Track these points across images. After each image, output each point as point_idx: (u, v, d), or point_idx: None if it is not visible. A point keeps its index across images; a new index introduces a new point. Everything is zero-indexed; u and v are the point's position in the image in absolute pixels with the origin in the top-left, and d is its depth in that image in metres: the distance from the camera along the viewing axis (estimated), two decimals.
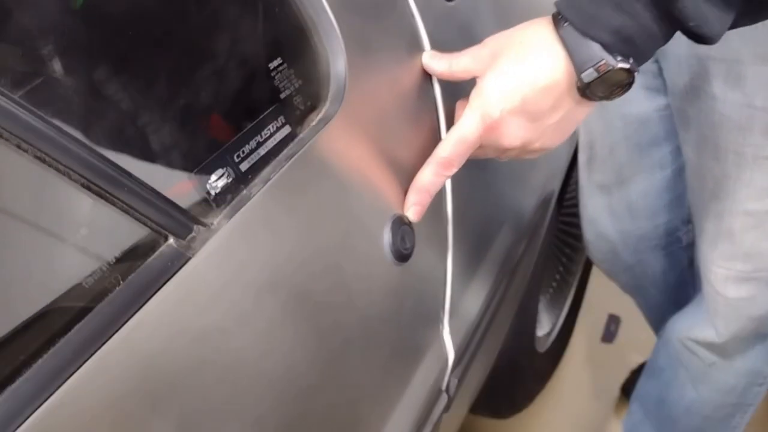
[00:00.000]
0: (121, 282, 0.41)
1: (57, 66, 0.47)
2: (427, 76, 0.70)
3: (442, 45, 0.70)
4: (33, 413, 0.35)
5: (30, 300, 0.39)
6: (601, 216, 1.13)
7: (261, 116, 0.54)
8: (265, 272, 0.49)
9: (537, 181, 1.00)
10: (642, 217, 1.10)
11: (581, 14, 0.56)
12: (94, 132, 0.46)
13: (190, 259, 0.44)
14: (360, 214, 0.59)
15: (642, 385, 1.24)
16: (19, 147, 0.38)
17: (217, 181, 0.49)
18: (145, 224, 0.43)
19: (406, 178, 0.64)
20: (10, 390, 0.35)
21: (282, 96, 0.56)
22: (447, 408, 0.74)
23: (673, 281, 1.19)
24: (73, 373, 0.37)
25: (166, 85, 0.50)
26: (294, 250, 0.52)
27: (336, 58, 0.59)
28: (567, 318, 1.53)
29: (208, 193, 0.48)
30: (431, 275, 0.70)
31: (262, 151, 0.53)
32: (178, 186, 0.47)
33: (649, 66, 0.93)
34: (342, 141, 0.58)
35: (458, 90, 0.69)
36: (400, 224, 0.62)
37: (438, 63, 0.68)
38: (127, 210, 0.42)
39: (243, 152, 0.52)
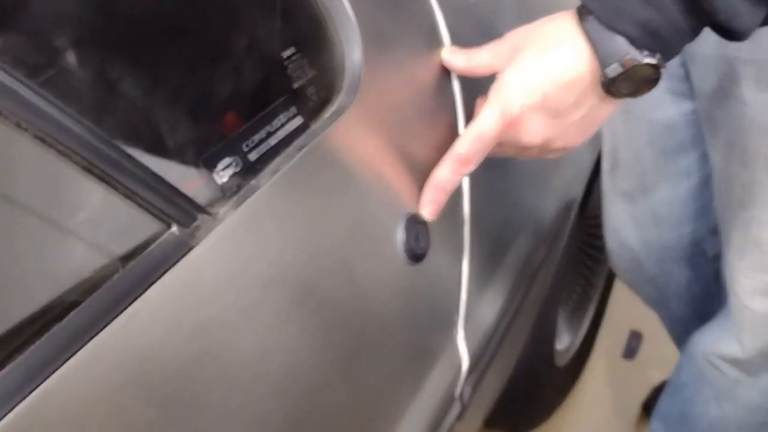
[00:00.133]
0: (120, 269, 0.39)
1: (62, 49, 0.46)
2: (445, 72, 0.68)
3: (462, 41, 0.69)
4: (23, 401, 0.33)
5: (24, 286, 0.38)
6: (625, 224, 1.10)
7: (272, 106, 0.52)
8: (271, 265, 0.47)
9: (558, 187, 0.97)
10: (666, 226, 1.06)
11: (606, 6, 0.54)
12: (98, 116, 0.45)
13: (193, 248, 0.42)
14: (372, 210, 0.57)
15: (664, 402, 1.20)
16: (18, 126, 0.36)
17: (224, 170, 0.48)
18: (147, 211, 0.41)
19: (421, 175, 0.62)
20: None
21: (295, 86, 0.55)
22: (460, 416, 0.71)
23: (697, 294, 1.15)
24: (65, 361, 0.35)
25: (173, 71, 0.48)
26: (302, 244, 0.50)
27: (351, 49, 0.58)
28: (588, 332, 1.50)
29: (215, 182, 0.47)
30: (446, 277, 0.67)
31: (273, 141, 0.51)
32: (183, 174, 0.46)
33: (675, 70, 0.91)
34: (355, 134, 0.56)
35: (478, 87, 0.67)
36: (415, 223, 0.60)
37: (457, 58, 0.66)
38: (129, 195, 0.40)
39: (252, 142, 0.50)
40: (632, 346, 1.64)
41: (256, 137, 0.50)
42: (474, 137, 0.61)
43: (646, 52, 0.54)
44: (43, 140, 0.37)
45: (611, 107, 0.60)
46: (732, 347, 0.98)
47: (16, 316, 0.36)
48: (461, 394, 0.71)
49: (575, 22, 0.57)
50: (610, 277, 1.57)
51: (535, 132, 0.60)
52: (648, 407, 1.40)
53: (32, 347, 0.35)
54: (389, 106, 0.61)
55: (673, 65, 0.92)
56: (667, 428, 1.18)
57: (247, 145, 0.49)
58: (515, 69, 0.59)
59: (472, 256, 0.71)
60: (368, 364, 0.56)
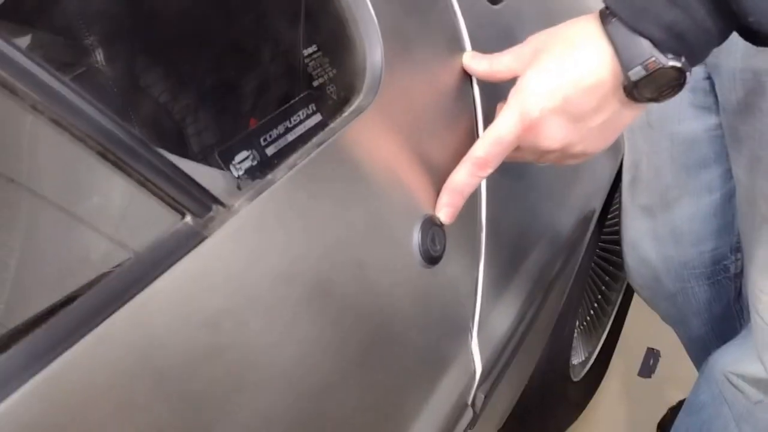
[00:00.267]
0: (132, 256, 0.39)
1: (86, 40, 0.46)
2: (466, 77, 0.68)
3: (484, 47, 0.68)
4: (28, 382, 0.33)
5: (35, 269, 0.38)
6: (644, 240, 1.08)
7: (291, 102, 0.52)
8: (285, 260, 0.47)
9: (577, 198, 0.96)
10: (687, 242, 1.05)
11: (631, 8, 0.53)
12: (115, 103, 0.45)
13: (206, 238, 0.42)
14: (388, 210, 0.57)
15: (681, 422, 1.18)
16: (34, 108, 0.36)
17: (241, 163, 0.48)
18: (161, 199, 0.41)
19: (439, 178, 0.62)
20: (5, 356, 0.33)
21: (315, 84, 0.55)
22: (472, 424, 0.70)
23: (718, 313, 1.13)
24: (72, 345, 0.35)
25: (193, 64, 0.48)
26: (316, 240, 0.50)
27: (373, 50, 0.58)
28: (604, 348, 1.48)
29: (231, 174, 0.47)
30: (461, 282, 0.67)
31: (290, 137, 0.51)
32: (198, 165, 0.45)
33: (699, 83, 0.89)
34: (374, 133, 0.56)
35: (499, 94, 0.66)
36: (431, 225, 0.60)
37: (479, 63, 0.66)
38: (143, 183, 0.40)
39: (270, 136, 0.50)
40: (649, 364, 1.61)
41: (274, 132, 0.50)
42: (492, 140, 0.60)
43: (670, 55, 0.53)
44: (58, 123, 0.37)
45: (633, 113, 0.60)
46: (754, 367, 0.95)
47: (25, 300, 0.37)
48: (473, 401, 0.70)
49: (598, 25, 0.56)
50: (628, 294, 1.55)
51: (554, 136, 0.60)
52: (663, 427, 1.37)
53: (39, 330, 0.35)
54: (408, 108, 0.60)
55: (697, 78, 0.91)
56: None
57: (264, 140, 0.49)
58: (536, 71, 0.59)
59: (488, 262, 0.70)
60: (380, 365, 0.56)
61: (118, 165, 0.39)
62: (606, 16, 0.55)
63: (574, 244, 0.96)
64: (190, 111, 0.49)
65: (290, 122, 0.52)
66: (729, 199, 0.97)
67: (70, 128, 0.37)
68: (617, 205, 1.25)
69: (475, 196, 0.68)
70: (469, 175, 0.61)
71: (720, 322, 1.14)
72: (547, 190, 0.86)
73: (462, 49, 0.68)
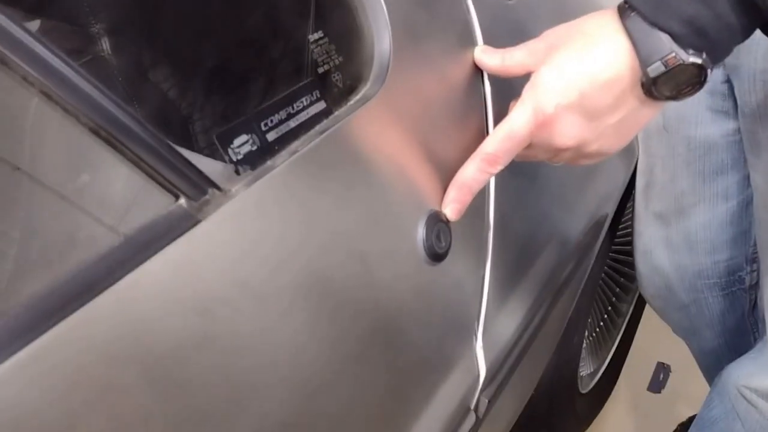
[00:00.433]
0: (121, 236, 0.37)
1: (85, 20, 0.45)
2: (477, 72, 0.66)
3: (496, 42, 0.66)
4: (8, 359, 0.31)
5: (18, 248, 0.36)
6: (657, 248, 1.06)
7: (294, 87, 0.51)
8: (282, 249, 0.45)
9: (589, 201, 0.94)
10: (701, 251, 1.02)
11: (650, 1, 0.51)
12: (112, 81, 0.43)
13: (200, 222, 0.40)
14: (392, 203, 0.55)
15: None
16: (25, 80, 0.35)
17: (240, 147, 0.46)
18: (154, 180, 0.40)
19: (446, 173, 0.60)
20: None
21: (320, 70, 0.53)
22: (475, 430, 0.68)
23: (732, 325, 1.10)
24: (57, 323, 0.33)
25: (195, 42, 0.47)
26: (316, 230, 0.48)
27: (381, 39, 0.56)
28: (613, 361, 1.45)
29: (230, 158, 0.45)
30: (466, 281, 0.65)
31: (293, 123, 0.50)
32: (195, 147, 0.44)
33: (718, 86, 0.87)
34: (380, 124, 0.54)
35: (510, 91, 0.64)
36: (437, 221, 0.58)
37: (490, 58, 0.64)
38: (136, 162, 0.39)
39: (271, 121, 0.48)
40: (659, 379, 1.58)
41: (276, 117, 0.49)
42: (504, 135, 0.58)
43: (691, 51, 0.51)
44: (48, 96, 0.35)
45: (651, 112, 0.57)
46: None
47: (10, 276, 0.35)
48: (477, 406, 0.68)
49: (616, 19, 0.54)
50: (639, 306, 1.52)
51: (569, 134, 0.58)
52: None
53: (18, 309, 0.33)
54: (416, 99, 0.58)
55: (715, 81, 0.88)
56: None
57: (265, 124, 0.48)
58: (551, 66, 0.57)
59: (495, 263, 0.68)
60: (379, 363, 0.54)
61: (110, 142, 0.38)
62: (624, 11, 0.53)
63: (585, 249, 0.94)
64: (190, 93, 0.48)
65: (293, 108, 0.50)
66: (746, 206, 0.95)
67: (60, 102, 0.36)
68: (629, 214, 1.23)
69: (483, 194, 0.66)
70: (478, 170, 0.59)
71: (733, 335, 1.11)
72: (558, 192, 0.84)
73: (474, 43, 0.66)
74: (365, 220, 0.52)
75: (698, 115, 0.91)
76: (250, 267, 0.43)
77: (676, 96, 0.54)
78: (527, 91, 0.58)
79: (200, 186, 0.41)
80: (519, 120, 0.58)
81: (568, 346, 1.10)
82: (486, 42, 0.67)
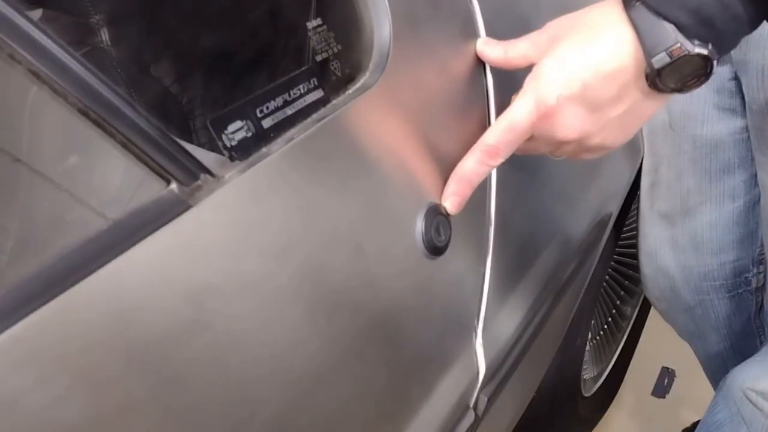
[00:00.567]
0: (109, 221, 0.36)
1: None
2: (479, 64, 0.65)
3: (499, 34, 0.65)
4: None
5: (4, 230, 0.35)
6: (662, 248, 1.04)
7: (291, 74, 0.50)
8: (276, 238, 0.44)
9: (593, 198, 0.92)
10: (707, 252, 1.01)
11: None
12: (104, 63, 0.42)
13: (191, 207, 0.39)
14: (391, 194, 0.54)
15: None
16: (12, 57, 0.34)
17: (234, 133, 0.45)
18: (145, 164, 0.39)
19: (446, 166, 0.59)
20: None
21: (318, 58, 0.52)
22: (474, 428, 0.66)
23: (738, 328, 1.08)
24: (42, 305, 0.32)
25: (189, 26, 0.46)
26: (311, 220, 0.47)
27: (381, 28, 0.55)
28: (617, 364, 1.43)
29: (224, 144, 0.44)
30: (467, 277, 0.63)
31: (289, 110, 0.49)
32: (188, 132, 0.43)
33: (725, 84, 0.86)
34: (378, 113, 0.53)
35: (513, 83, 0.63)
36: (436, 214, 0.57)
37: (493, 49, 0.63)
38: (127, 145, 0.38)
39: (267, 108, 0.47)
40: (663, 384, 1.56)
41: (272, 104, 0.48)
42: (505, 127, 0.57)
43: (697, 42, 0.50)
44: (37, 76, 0.34)
45: (655, 104, 0.56)
46: None
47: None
48: (476, 404, 0.67)
49: (620, 10, 0.53)
50: (644, 310, 1.50)
51: (571, 126, 0.56)
52: None
53: (3, 289, 0.32)
54: (416, 90, 0.57)
55: (723, 79, 0.87)
56: None
57: (261, 111, 0.47)
58: (554, 57, 0.56)
59: (496, 259, 0.67)
60: (377, 358, 0.53)
61: (99, 124, 0.37)
62: (629, 1, 0.52)
63: (589, 248, 0.92)
64: (188, 80, 0.47)
65: (289, 95, 0.49)
66: (753, 206, 0.93)
67: (48, 82, 0.35)
68: (634, 216, 1.22)
69: (484, 188, 0.65)
70: (478, 163, 0.58)
71: (739, 337, 1.09)
72: (561, 187, 0.82)
73: (476, 35, 0.65)
74: (363, 212, 0.51)
75: (705, 113, 0.89)
76: (242, 255, 0.42)
77: (681, 88, 0.53)
78: (529, 83, 0.57)
79: (192, 171, 0.40)
80: (520, 111, 0.57)
81: (570, 348, 1.09)
82: (488, 34, 0.66)
